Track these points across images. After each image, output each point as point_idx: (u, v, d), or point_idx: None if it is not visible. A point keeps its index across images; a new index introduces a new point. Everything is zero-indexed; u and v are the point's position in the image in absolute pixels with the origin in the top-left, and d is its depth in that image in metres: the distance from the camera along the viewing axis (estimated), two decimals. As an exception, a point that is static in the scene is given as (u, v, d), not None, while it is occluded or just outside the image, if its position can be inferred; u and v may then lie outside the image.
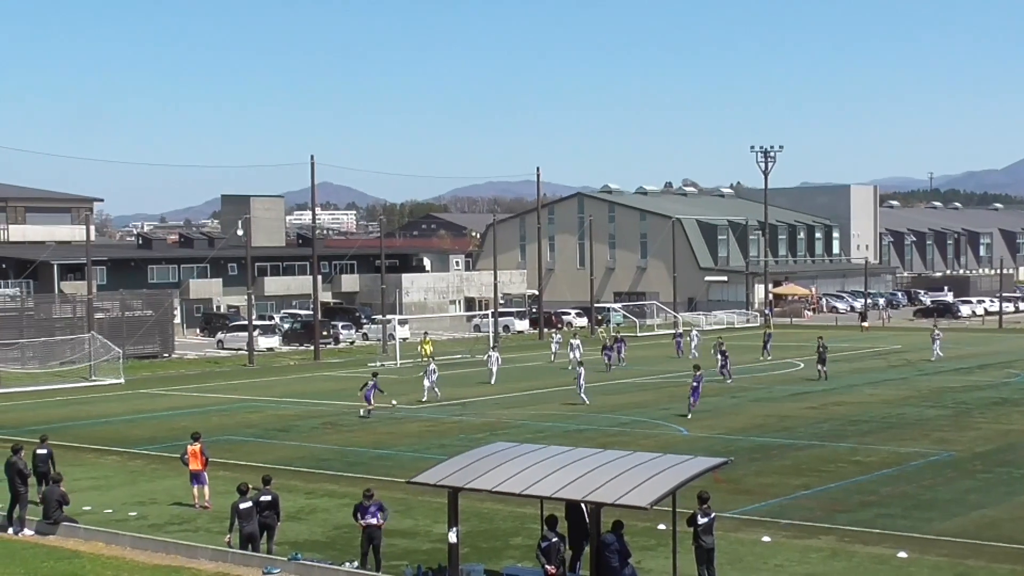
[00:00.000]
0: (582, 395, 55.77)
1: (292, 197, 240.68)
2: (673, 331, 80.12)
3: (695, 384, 52.09)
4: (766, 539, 29.05)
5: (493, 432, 46.62)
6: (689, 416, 50.69)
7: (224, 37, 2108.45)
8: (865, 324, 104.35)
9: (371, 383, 53.48)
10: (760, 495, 34.39)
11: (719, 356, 65.57)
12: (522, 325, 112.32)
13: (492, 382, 64.34)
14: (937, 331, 75.75)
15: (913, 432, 46.03)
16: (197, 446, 34.54)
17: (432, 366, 60.18)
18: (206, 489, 34.34)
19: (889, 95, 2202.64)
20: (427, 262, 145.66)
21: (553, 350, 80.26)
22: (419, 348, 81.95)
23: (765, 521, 31.03)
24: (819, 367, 65.02)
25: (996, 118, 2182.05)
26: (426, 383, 58.65)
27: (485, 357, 64.92)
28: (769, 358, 78.10)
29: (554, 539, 23.67)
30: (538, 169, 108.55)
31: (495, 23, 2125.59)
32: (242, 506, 27.67)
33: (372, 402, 52.93)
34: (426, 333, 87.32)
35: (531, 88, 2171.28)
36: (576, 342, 73.91)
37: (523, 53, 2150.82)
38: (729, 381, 63.40)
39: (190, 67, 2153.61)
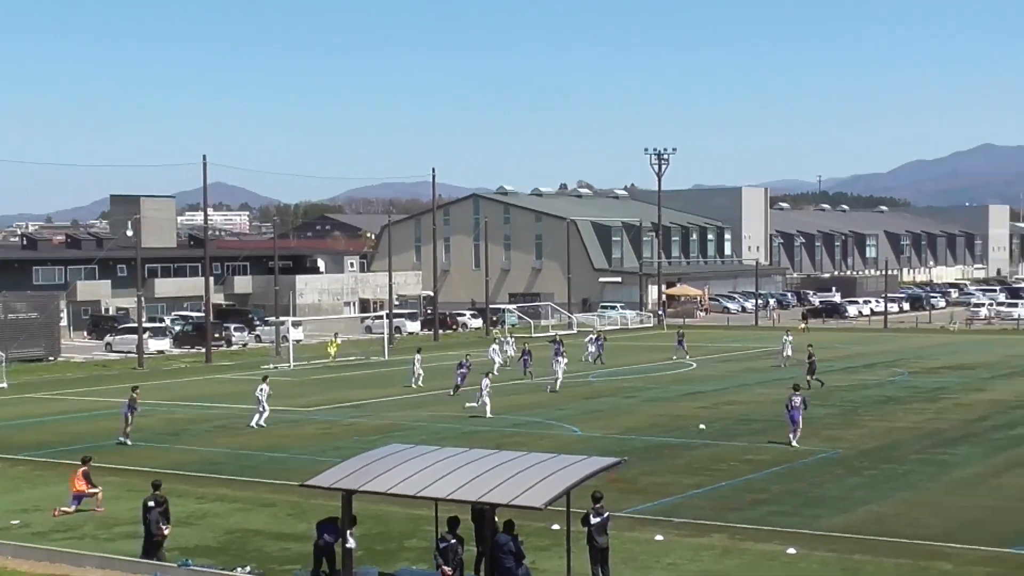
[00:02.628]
0: (484, 399, 53.43)
1: (184, 197, 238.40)
2: (593, 336, 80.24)
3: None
4: (659, 538, 29.35)
5: (388, 434, 46.57)
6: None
7: (112, 31, 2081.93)
8: (802, 325, 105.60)
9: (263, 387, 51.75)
10: (653, 494, 34.73)
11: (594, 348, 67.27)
12: (414, 327, 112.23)
13: (487, 414, 53.32)
14: (788, 336, 75.19)
15: (803, 430, 46.61)
16: (81, 470, 33.93)
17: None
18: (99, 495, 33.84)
19: (779, 99, 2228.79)
20: (321, 263, 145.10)
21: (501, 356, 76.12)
22: (327, 348, 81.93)
23: (658, 520, 31.35)
24: (808, 378, 61.09)
25: (882, 123, 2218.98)
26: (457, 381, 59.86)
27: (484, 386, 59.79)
28: (688, 357, 79.02)
29: (452, 540, 23.76)
30: (433, 170, 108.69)
31: (387, 20, 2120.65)
32: (150, 503, 27.51)
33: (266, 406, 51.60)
34: (336, 334, 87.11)
35: (426, 88, 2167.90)
36: (495, 346, 74.50)
37: (416, 52, 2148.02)
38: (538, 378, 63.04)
39: (77, 63, 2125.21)
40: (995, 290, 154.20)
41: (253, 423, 50.68)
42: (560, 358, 64.36)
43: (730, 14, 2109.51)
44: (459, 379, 60.53)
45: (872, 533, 29.61)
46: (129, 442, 46.14)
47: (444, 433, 47.31)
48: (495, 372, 62.66)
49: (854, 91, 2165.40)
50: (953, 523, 30.68)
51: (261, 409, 51.03)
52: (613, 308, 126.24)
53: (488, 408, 52.43)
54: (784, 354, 72.90)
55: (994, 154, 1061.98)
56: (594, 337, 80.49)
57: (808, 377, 61.38)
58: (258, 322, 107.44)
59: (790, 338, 74.34)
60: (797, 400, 44.08)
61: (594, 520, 24.72)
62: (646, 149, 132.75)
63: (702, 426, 47.62)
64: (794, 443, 43.05)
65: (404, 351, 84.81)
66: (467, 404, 54.29)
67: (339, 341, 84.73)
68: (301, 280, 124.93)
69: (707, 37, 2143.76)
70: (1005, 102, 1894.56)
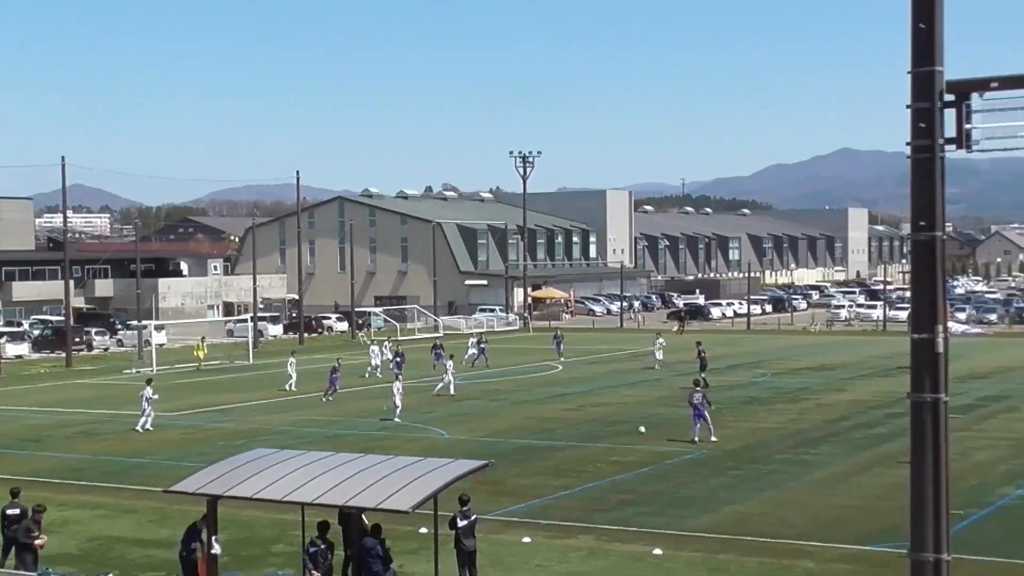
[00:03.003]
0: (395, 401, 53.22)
1: (42, 199, 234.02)
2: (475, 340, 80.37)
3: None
4: (527, 540, 29.44)
5: (253, 439, 46.16)
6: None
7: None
8: (675, 328, 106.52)
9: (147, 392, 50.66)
10: (521, 496, 34.84)
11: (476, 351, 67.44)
12: (276, 330, 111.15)
13: (451, 392, 60.12)
14: (660, 339, 75.79)
15: (668, 432, 47.13)
16: None
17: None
18: None
19: (642, 103, 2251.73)
20: (184, 266, 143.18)
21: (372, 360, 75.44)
22: (195, 352, 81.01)
23: (526, 522, 31.45)
24: (701, 375, 61.46)
25: (744, 127, 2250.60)
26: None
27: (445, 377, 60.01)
28: (562, 359, 79.80)
29: (322, 545, 23.60)
30: (298, 172, 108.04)
31: (248, 18, 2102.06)
32: (9, 512, 26.93)
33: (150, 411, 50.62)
34: (203, 338, 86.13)
35: (289, 89, 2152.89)
36: (375, 348, 74.25)
37: (276, 51, 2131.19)
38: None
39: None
40: (855, 292, 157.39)
41: (139, 427, 50.08)
42: (447, 362, 64.11)
43: (593, 17, 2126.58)
44: (333, 384, 60.31)
45: (737, 532, 30.01)
46: None
47: (310, 437, 47.02)
48: (367, 374, 62.53)
49: (716, 95, 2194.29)
50: (815, 522, 31.22)
51: (146, 413, 50.50)
52: (492, 311, 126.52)
53: (398, 411, 52.19)
54: (656, 356, 73.32)
55: (852, 158, 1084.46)
56: (475, 340, 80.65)
57: (702, 373, 62.45)
58: (120, 326, 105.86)
59: (661, 341, 74.98)
60: (698, 397, 45.04)
61: (461, 523, 24.73)
62: (511, 152, 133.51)
63: (641, 429, 47.01)
64: (696, 438, 44.11)
65: (268, 355, 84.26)
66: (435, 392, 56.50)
67: (206, 345, 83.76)
68: (164, 283, 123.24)
69: (570, 39, 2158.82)
70: (862, 107, 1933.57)
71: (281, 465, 24.05)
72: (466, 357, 76.94)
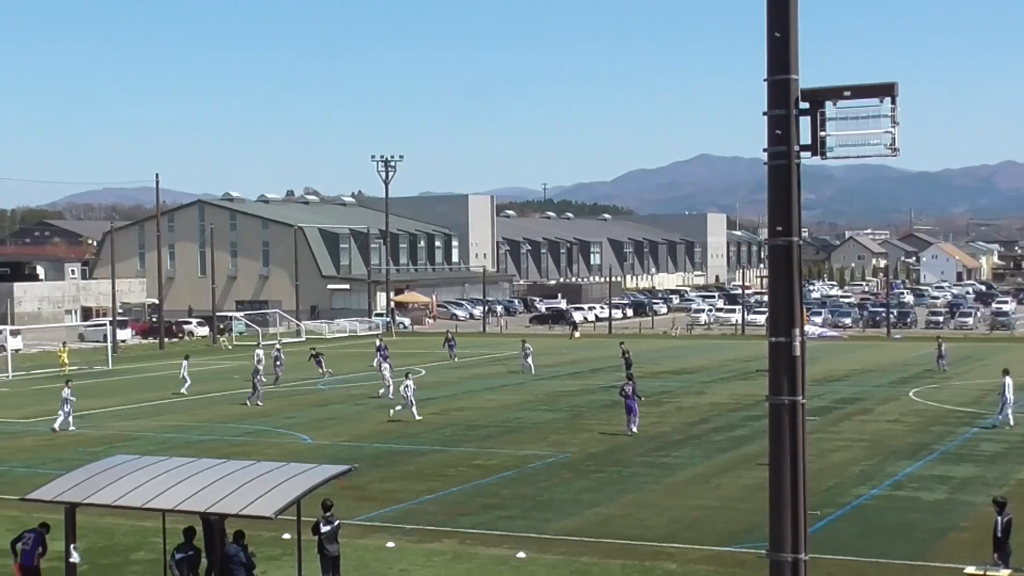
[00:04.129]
0: (256, 401, 56.61)
1: None
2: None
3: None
4: (390, 544, 29.43)
5: (112, 445, 45.45)
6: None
7: None
8: (577, 334, 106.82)
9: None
10: (384, 501, 34.79)
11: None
12: (124, 334, 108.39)
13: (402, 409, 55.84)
14: (528, 346, 76.17)
15: (531, 435, 47.46)
16: None
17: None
18: None
19: (504, 108, 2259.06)
20: (41, 271, 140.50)
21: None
22: (59, 357, 79.54)
23: (389, 527, 31.43)
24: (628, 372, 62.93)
25: (605, 132, 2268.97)
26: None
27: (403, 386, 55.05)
28: (456, 360, 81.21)
29: (190, 552, 23.37)
30: (157, 175, 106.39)
31: (104, 21, 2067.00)
32: None
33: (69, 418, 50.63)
34: (64, 343, 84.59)
35: (149, 91, 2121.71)
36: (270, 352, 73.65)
37: (135, 51, 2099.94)
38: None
39: None
40: (714, 296, 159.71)
41: (57, 426, 50.62)
42: (385, 363, 64.83)
43: (456, 21, 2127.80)
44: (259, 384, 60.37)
45: (599, 535, 30.30)
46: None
47: (171, 443, 46.44)
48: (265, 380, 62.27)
49: (577, 101, 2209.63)
50: (676, 523, 31.63)
51: (67, 413, 51.03)
52: (239, 322, 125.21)
53: (415, 409, 52.57)
54: (528, 363, 73.41)
55: (711, 163, 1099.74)
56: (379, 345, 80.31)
57: (627, 372, 63.16)
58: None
59: (530, 347, 75.19)
60: (629, 389, 47.92)
61: (324, 528, 24.67)
62: (373, 156, 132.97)
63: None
64: (633, 429, 46.94)
65: (128, 360, 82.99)
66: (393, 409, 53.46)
67: (67, 350, 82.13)
68: (20, 288, 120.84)
69: (433, 43, 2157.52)
70: (720, 114, 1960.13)
71: (141, 471, 23.79)
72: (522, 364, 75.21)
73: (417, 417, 52.03)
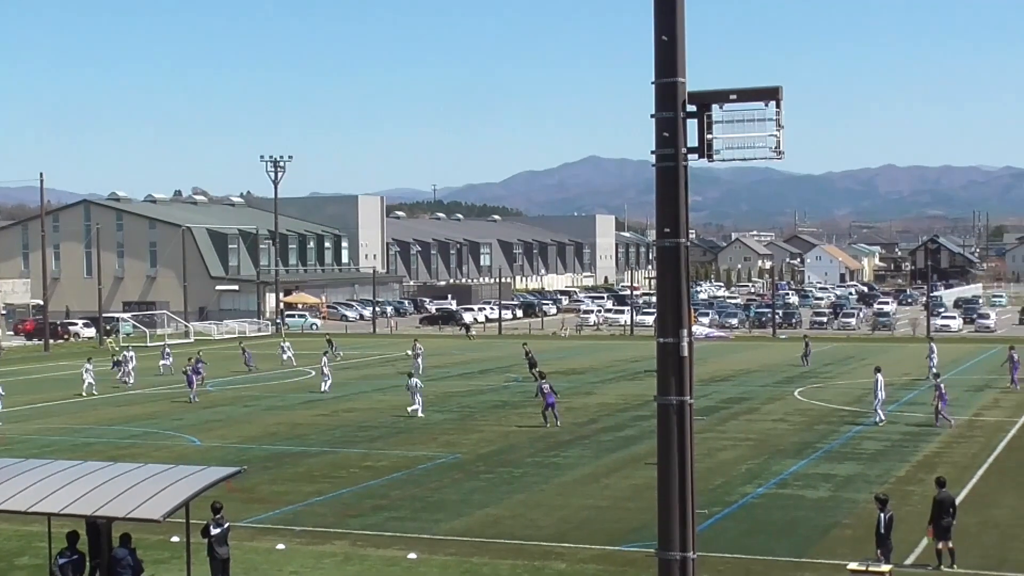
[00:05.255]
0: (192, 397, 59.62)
1: None
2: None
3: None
4: (281, 546, 29.32)
5: (-5, 449, 44.72)
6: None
7: None
8: (472, 334, 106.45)
9: None
10: (274, 503, 34.63)
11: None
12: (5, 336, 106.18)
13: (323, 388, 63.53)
14: (419, 345, 76.28)
15: (421, 436, 47.47)
16: None
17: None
18: None
19: (393, 108, 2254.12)
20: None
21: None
22: None
23: (279, 529, 31.31)
24: (534, 370, 65.59)
25: (494, 134, 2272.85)
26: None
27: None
28: (340, 356, 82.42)
29: (74, 556, 23.10)
30: (41, 175, 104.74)
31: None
32: None
33: None
34: None
35: (30, 87, 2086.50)
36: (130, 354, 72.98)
37: (27, 48, 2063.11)
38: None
39: None
40: (603, 297, 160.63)
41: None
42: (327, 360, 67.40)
43: (347, 21, 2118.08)
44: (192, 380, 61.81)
45: (489, 535, 30.42)
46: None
47: (56, 446, 45.80)
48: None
49: (466, 102, 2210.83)
50: (566, 523, 31.83)
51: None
52: (303, 318, 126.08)
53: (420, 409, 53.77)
54: (418, 362, 73.34)
55: (599, 165, 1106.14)
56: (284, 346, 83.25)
57: (533, 370, 65.64)
58: None
59: (420, 347, 75.16)
60: (547, 386, 50.33)
61: (214, 531, 24.53)
62: (262, 156, 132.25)
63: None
64: (559, 424, 49.32)
65: (11, 362, 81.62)
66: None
67: None
68: None
69: (324, 43, 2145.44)
70: (609, 116, 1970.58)
71: (26, 475, 23.46)
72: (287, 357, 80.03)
73: (420, 414, 53.21)
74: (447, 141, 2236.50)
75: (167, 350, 76.95)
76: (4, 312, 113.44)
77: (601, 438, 46.86)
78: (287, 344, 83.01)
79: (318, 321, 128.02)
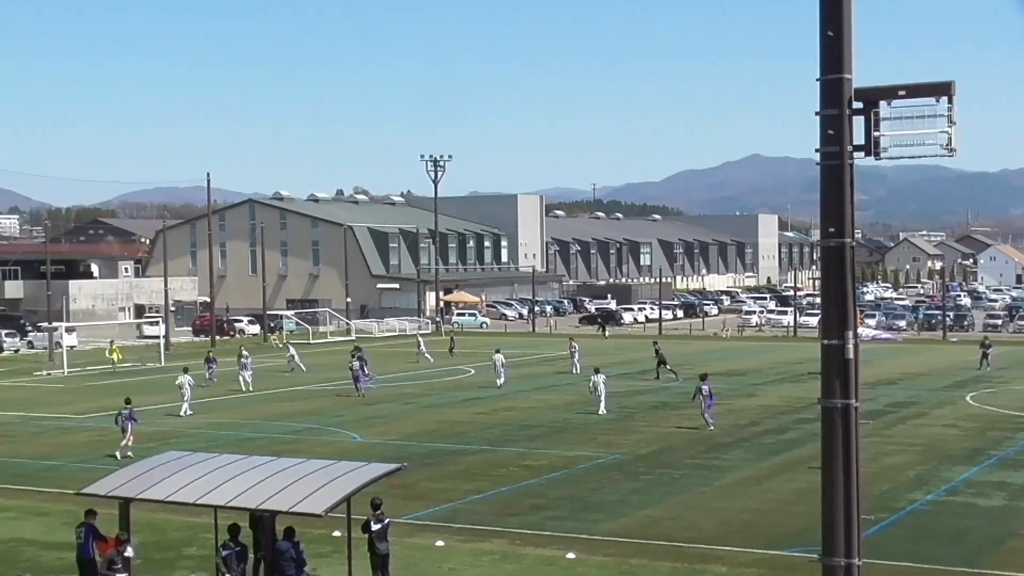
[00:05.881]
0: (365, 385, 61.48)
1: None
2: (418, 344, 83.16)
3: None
4: (440, 543, 29.45)
5: (165, 441, 45.67)
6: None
7: None
8: (607, 334, 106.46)
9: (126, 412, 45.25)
10: (433, 500, 34.81)
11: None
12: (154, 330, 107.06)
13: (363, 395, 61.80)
14: (575, 344, 76.63)
15: (580, 436, 47.37)
16: None
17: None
18: None
19: (554, 107, 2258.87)
20: (95, 268, 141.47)
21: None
22: (108, 355, 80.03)
23: (438, 526, 31.45)
24: (661, 368, 68.98)
25: (654, 133, 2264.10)
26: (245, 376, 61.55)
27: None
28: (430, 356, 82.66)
29: (236, 548, 23.49)
30: (208, 175, 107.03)
31: (155, 22, 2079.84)
32: None
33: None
34: (112, 341, 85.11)
35: (200, 91, 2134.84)
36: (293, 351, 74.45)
37: (185, 53, 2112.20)
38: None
39: None
40: (765, 298, 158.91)
41: (183, 412, 54.19)
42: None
43: (498, 20, 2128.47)
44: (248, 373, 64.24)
45: (648, 537, 30.18)
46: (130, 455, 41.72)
47: (222, 441, 46.68)
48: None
49: (627, 101, 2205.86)
50: (726, 526, 31.45)
51: (186, 398, 54.92)
52: (473, 316, 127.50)
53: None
54: (575, 360, 73.52)
55: (762, 164, 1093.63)
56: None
57: (661, 367, 68.19)
58: (30, 328, 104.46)
59: (576, 346, 75.23)
60: (707, 388, 49.27)
61: (374, 526, 24.70)
62: (422, 156, 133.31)
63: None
64: (711, 426, 48.47)
65: (180, 357, 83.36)
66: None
67: (118, 347, 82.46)
68: (74, 285, 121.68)
69: (481, 43, 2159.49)
70: (771, 114, 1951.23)
71: (194, 468, 23.93)
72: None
73: (602, 411, 53.63)
74: (607, 140, 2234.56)
75: (248, 359, 70.29)
76: (173, 309, 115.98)
77: (763, 441, 46.27)
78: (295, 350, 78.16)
79: (487, 320, 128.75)
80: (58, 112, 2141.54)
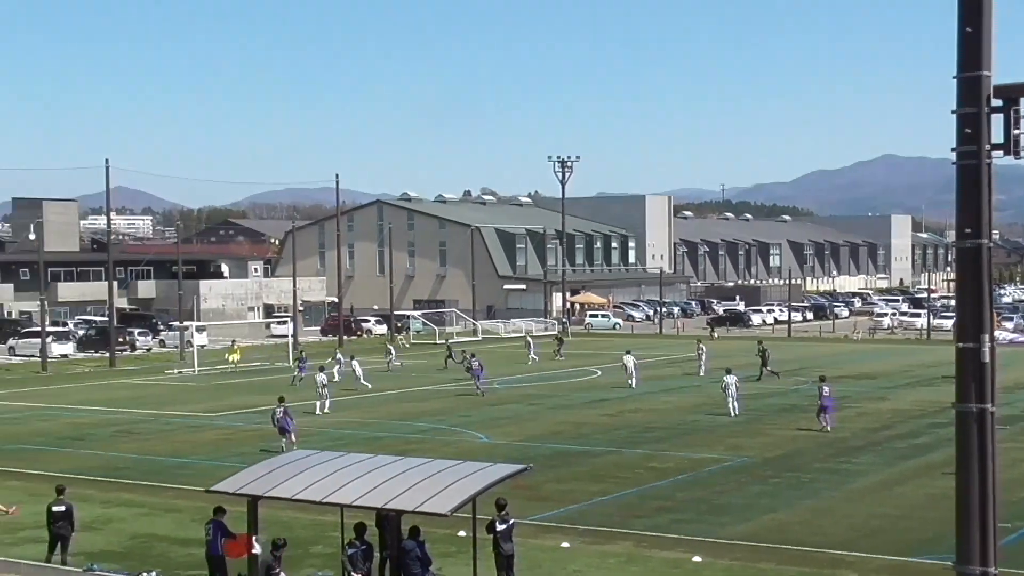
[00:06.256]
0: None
1: (86, 201, 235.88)
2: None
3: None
4: (565, 545, 29.34)
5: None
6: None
7: (11, 32, 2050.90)
8: (715, 335, 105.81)
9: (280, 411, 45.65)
10: (558, 501, 34.72)
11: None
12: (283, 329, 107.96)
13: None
14: (702, 346, 76.09)
15: (706, 439, 46.98)
16: None
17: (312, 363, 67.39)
18: None
19: (681, 107, 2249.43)
20: (225, 268, 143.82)
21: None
22: (227, 356, 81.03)
23: (563, 527, 31.34)
24: (765, 369, 69.11)
25: (784, 133, 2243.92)
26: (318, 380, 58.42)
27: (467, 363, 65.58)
28: (561, 359, 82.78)
29: (361, 547, 23.60)
30: (337, 176, 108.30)
31: (283, 21, 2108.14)
32: (55, 508, 27.44)
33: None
34: (234, 341, 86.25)
35: (329, 93, 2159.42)
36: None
37: (316, 55, 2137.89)
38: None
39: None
40: (898, 300, 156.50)
41: (318, 411, 55.06)
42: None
43: (632, 20, 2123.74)
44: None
45: (775, 541, 29.79)
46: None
47: (349, 439, 47.04)
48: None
49: (757, 100, 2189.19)
50: (855, 531, 30.93)
51: (324, 396, 55.93)
52: (606, 318, 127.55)
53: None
54: (702, 361, 73.17)
55: (896, 164, 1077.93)
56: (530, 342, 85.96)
57: (764, 369, 68.27)
58: (162, 327, 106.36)
59: (703, 347, 74.80)
60: (827, 390, 49.04)
61: (500, 527, 24.66)
62: (550, 157, 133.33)
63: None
64: (828, 428, 47.99)
65: (309, 357, 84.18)
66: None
67: (238, 347, 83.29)
68: (205, 285, 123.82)
69: (612, 43, 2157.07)
70: (905, 113, 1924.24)
71: (321, 467, 24.06)
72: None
73: (734, 413, 53.40)
74: (736, 140, 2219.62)
75: (303, 360, 72.40)
76: (301, 309, 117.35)
77: (894, 445, 45.48)
78: (345, 359, 72.03)
79: (620, 321, 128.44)
80: (191, 114, 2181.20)
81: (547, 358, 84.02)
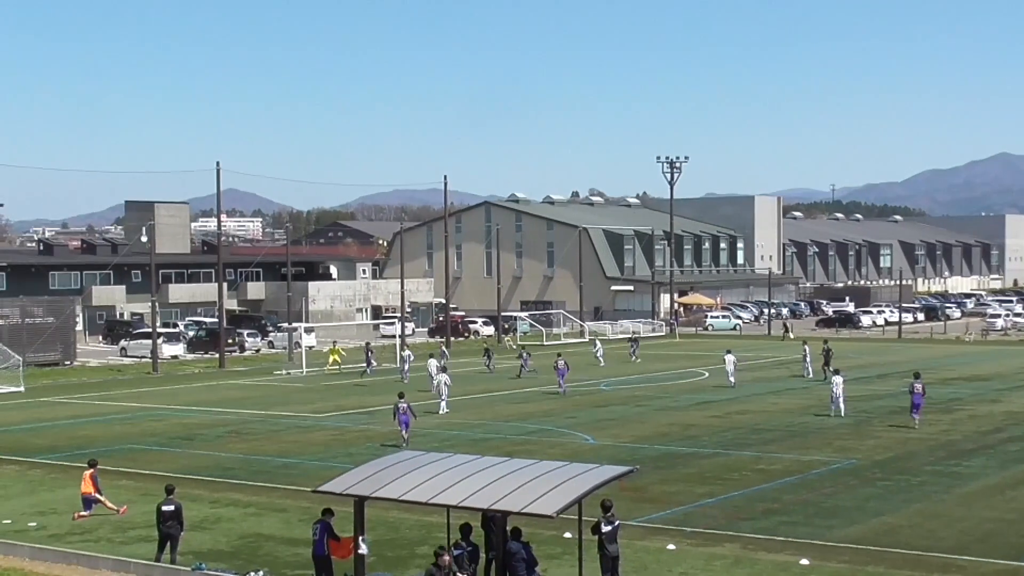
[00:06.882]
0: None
1: (197, 203, 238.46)
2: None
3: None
4: (671, 547, 29.25)
5: (400, 441, 46.42)
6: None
7: (126, 39, 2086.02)
8: (791, 335, 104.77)
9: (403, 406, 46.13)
10: (665, 503, 34.62)
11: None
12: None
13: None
14: (807, 347, 74.85)
15: (815, 440, 46.57)
16: (89, 472, 34.03)
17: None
18: (106, 502, 33.85)
19: (791, 107, 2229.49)
20: (334, 270, 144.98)
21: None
22: (328, 357, 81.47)
23: (670, 529, 31.25)
24: (825, 368, 68.05)
25: (896, 132, 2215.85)
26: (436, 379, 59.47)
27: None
28: (637, 360, 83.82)
29: (467, 548, 23.73)
30: (445, 177, 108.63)
31: (397, 25, 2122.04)
32: (164, 508, 27.98)
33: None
34: (335, 342, 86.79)
35: (438, 95, 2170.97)
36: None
37: (428, 57, 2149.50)
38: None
39: (92, 70, 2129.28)
40: (1012, 301, 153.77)
41: (440, 411, 55.66)
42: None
43: (743, 21, 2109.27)
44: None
45: (885, 544, 29.46)
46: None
47: (455, 440, 47.25)
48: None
49: (868, 99, 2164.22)
50: (967, 536, 30.51)
51: (443, 396, 56.56)
52: (726, 319, 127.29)
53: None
54: (807, 363, 72.55)
55: (1011, 163, 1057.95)
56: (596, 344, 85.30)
57: (826, 368, 66.76)
58: (271, 328, 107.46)
59: (808, 348, 74.05)
60: (919, 386, 49.83)
61: (605, 529, 24.65)
62: (658, 157, 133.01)
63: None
64: (916, 424, 49.13)
65: (416, 358, 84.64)
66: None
67: (341, 349, 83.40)
68: (314, 286, 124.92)
69: (721, 44, 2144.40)
70: (1021, 110, 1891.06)
71: (427, 468, 24.20)
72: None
73: (841, 414, 53.49)
74: (847, 140, 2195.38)
75: (371, 355, 76.25)
76: (409, 310, 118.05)
77: (1007, 448, 44.77)
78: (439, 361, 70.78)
79: (740, 321, 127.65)
80: (301, 117, 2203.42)
81: (622, 359, 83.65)
